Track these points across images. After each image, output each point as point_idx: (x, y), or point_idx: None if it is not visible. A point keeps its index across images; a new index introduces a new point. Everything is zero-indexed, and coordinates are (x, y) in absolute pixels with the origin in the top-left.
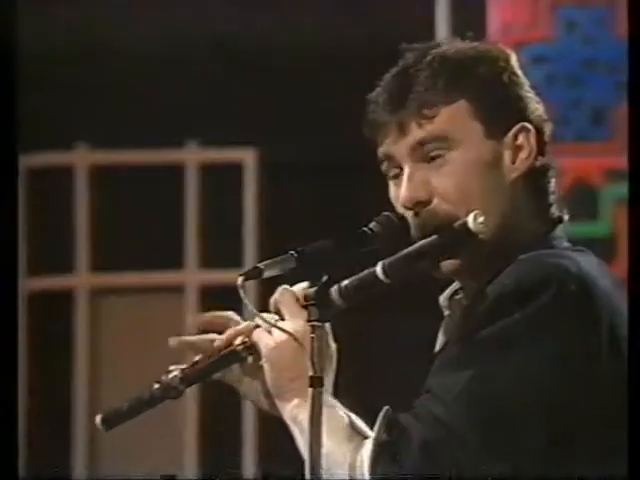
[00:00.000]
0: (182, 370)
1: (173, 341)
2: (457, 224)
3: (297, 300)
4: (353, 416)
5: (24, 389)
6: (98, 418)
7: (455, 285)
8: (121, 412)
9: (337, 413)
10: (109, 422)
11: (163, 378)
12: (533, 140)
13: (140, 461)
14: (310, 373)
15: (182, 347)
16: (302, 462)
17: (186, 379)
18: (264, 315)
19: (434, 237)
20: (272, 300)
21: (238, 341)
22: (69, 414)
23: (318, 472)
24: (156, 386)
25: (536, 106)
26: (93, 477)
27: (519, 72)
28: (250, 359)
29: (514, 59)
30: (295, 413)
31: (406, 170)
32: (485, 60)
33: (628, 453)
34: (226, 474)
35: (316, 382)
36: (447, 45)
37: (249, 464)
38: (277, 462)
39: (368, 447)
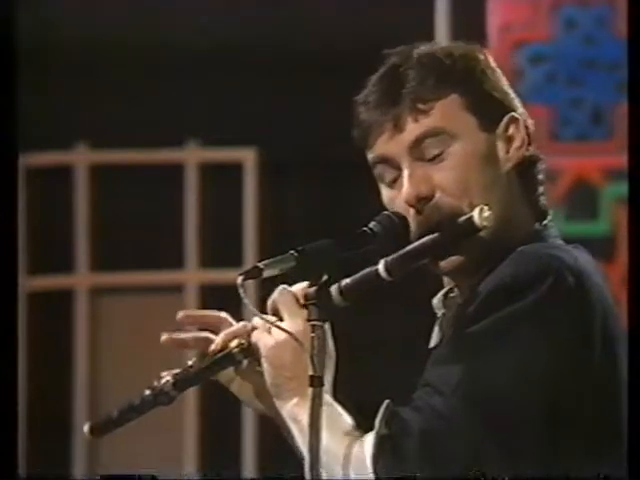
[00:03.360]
0: (174, 375)
1: (164, 337)
2: (462, 219)
3: (297, 300)
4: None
5: (24, 389)
6: (86, 426)
7: (448, 286)
8: (111, 419)
9: (336, 411)
10: (98, 430)
11: (155, 384)
12: (523, 130)
13: (140, 461)
14: (310, 372)
15: (173, 344)
16: (302, 462)
17: (178, 384)
18: (263, 315)
19: (437, 234)
20: (270, 300)
21: (234, 343)
22: (69, 414)
23: (318, 471)
24: (147, 392)
25: (517, 100)
26: (93, 477)
27: (497, 69)
28: (245, 362)
29: (490, 57)
30: (295, 412)
31: (406, 169)
32: (469, 57)
33: (628, 452)
34: (226, 474)
35: (316, 381)
36: (431, 45)
37: (249, 464)
38: (277, 462)
39: (369, 441)
